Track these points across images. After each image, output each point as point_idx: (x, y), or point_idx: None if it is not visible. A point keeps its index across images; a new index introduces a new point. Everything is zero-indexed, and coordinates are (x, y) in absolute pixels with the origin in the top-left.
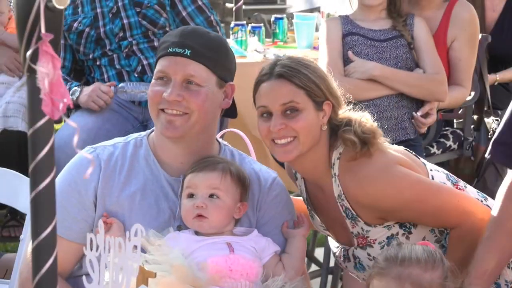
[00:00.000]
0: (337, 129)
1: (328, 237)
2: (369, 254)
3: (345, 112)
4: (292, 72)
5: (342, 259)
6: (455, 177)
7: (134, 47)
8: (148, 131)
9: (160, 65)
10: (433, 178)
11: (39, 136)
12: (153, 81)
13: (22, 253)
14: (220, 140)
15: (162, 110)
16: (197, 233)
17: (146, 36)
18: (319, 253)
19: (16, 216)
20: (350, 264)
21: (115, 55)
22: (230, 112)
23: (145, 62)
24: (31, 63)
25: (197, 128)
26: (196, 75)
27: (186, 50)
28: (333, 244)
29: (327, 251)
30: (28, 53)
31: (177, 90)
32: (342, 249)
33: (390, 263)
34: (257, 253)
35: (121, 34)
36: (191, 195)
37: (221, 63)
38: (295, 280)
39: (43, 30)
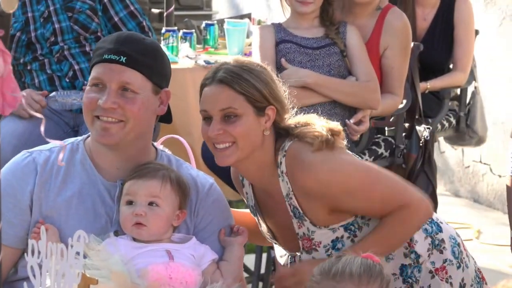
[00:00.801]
0: (283, 133)
1: (275, 245)
2: (314, 259)
3: (294, 117)
4: (233, 77)
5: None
6: None
7: (66, 52)
8: (84, 136)
9: (95, 72)
10: None
11: None
12: (87, 87)
13: None
14: (156, 146)
15: (97, 117)
16: (135, 239)
17: (77, 41)
18: (248, 260)
19: None
20: None
21: (46, 60)
22: (165, 117)
23: (76, 67)
24: None
25: (132, 135)
26: (132, 82)
27: (122, 57)
28: (279, 252)
29: (258, 257)
30: None
31: (112, 97)
32: (289, 257)
33: (323, 277)
34: (196, 260)
35: (52, 39)
36: (130, 202)
37: (156, 69)
38: (233, 287)
39: None
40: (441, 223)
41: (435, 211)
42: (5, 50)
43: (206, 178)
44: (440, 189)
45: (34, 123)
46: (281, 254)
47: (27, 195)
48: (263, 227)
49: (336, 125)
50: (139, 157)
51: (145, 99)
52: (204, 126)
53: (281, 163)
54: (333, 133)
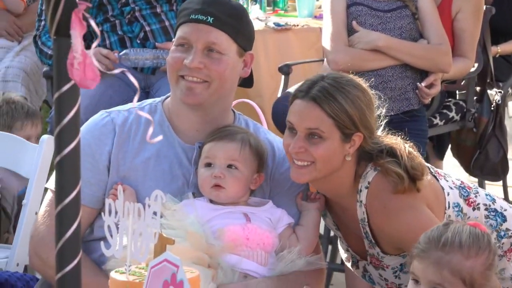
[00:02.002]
0: (367, 157)
1: (338, 238)
2: (380, 275)
3: (380, 138)
4: (326, 98)
5: (350, 263)
6: (466, 188)
7: (137, 13)
8: (163, 97)
9: (182, 32)
10: (448, 201)
11: (64, 100)
12: (173, 47)
13: (25, 218)
14: (233, 109)
15: (182, 76)
16: (212, 201)
17: (148, 2)
18: None
19: None
20: (358, 271)
21: (117, 21)
22: (247, 81)
23: (147, 28)
24: (61, 26)
25: (216, 96)
26: (218, 42)
27: (209, 17)
28: (342, 246)
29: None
30: (58, 15)
31: (199, 57)
32: (353, 257)
33: (431, 245)
34: (272, 223)
35: (123, 0)
36: (209, 164)
37: (242, 31)
38: (310, 254)
39: None
40: (505, 210)
41: (506, 176)
42: (84, 26)
43: (283, 143)
44: (510, 154)
45: (106, 84)
46: (344, 247)
47: (105, 155)
48: (328, 217)
49: (420, 162)
50: (219, 120)
51: (230, 60)
52: (287, 136)
53: (361, 191)
54: (416, 172)
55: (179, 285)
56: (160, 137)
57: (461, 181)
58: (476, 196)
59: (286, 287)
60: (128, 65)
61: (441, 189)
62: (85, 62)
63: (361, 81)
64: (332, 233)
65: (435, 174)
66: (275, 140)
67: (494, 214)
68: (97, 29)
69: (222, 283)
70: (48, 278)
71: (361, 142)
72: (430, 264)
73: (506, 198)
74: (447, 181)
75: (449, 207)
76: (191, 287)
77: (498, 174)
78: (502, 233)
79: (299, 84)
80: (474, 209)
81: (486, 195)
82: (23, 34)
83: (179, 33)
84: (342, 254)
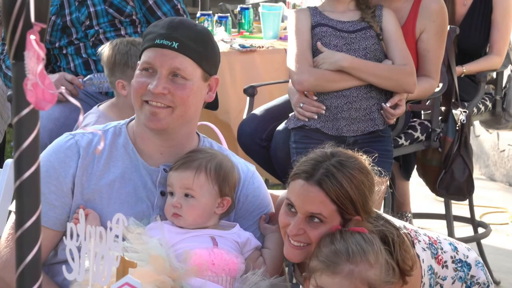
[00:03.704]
0: None
1: None
2: None
3: (376, 222)
4: (332, 184)
5: None
6: (434, 243)
7: (101, 36)
8: (127, 120)
9: (146, 56)
10: (423, 268)
11: (24, 124)
12: (137, 71)
13: None
14: (198, 132)
15: (146, 101)
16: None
17: (113, 24)
18: None
19: None
20: None
21: (81, 44)
22: (212, 104)
23: None
24: (19, 50)
25: (180, 121)
26: (183, 68)
27: (174, 42)
28: None
29: None
30: (16, 39)
31: (163, 83)
32: None
33: (339, 258)
34: (240, 247)
35: (87, 23)
36: (171, 193)
37: (207, 56)
38: (274, 276)
39: (32, 19)
40: (467, 256)
41: (472, 195)
42: (42, 45)
43: (247, 166)
44: (475, 173)
45: (70, 108)
46: None
47: (69, 178)
48: (297, 271)
49: (412, 256)
50: (183, 143)
51: (194, 86)
52: (285, 214)
53: None
54: (406, 267)
55: None
56: (101, 144)
57: (428, 236)
58: (442, 252)
59: None
60: (93, 90)
61: (418, 258)
62: (44, 83)
63: (365, 161)
64: None
65: (413, 240)
66: (240, 162)
67: (460, 265)
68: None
69: None
70: None
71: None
72: (344, 278)
73: (472, 217)
74: (420, 242)
75: (424, 274)
76: None
77: (464, 193)
78: (469, 282)
79: (302, 160)
80: (443, 267)
81: (449, 244)
82: None
83: (143, 57)
84: None
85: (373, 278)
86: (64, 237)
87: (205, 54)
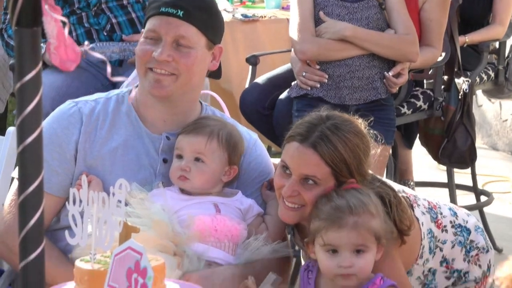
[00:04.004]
0: None
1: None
2: None
3: (371, 183)
4: (327, 147)
5: None
6: (433, 208)
7: (103, 6)
8: (130, 87)
9: (151, 24)
10: (423, 231)
11: (26, 90)
12: (142, 39)
13: None
14: (201, 100)
15: (150, 69)
16: (182, 191)
17: None
18: None
19: None
20: None
21: (83, 14)
22: (216, 73)
23: (114, 20)
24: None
25: (184, 89)
26: (187, 36)
27: (179, 11)
28: None
29: None
30: (18, 6)
31: (167, 50)
32: None
33: (343, 213)
34: (242, 214)
35: None
36: (179, 156)
37: (211, 25)
38: (276, 241)
39: None
40: (466, 222)
41: (474, 164)
42: (56, 8)
43: (250, 134)
44: (478, 142)
45: (73, 76)
46: None
47: (72, 145)
48: (297, 236)
49: (410, 216)
50: (186, 111)
51: (198, 54)
52: (279, 176)
53: None
54: (404, 226)
55: (143, 272)
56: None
57: (427, 201)
58: (442, 216)
59: (252, 274)
60: (95, 59)
61: (417, 221)
62: (65, 43)
63: (360, 125)
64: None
65: (412, 203)
66: (243, 131)
67: (460, 230)
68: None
69: (188, 270)
70: (14, 266)
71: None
72: (350, 229)
73: (474, 185)
74: (419, 206)
75: (424, 237)
76: (155, 275)
77: (466, 162)
78: (468, 247)
79: (297, 123)
80: (442, 231)
81: (449, 209)
82: None
83: (148, 25)
84: None
85: (377, 228)
86: (67, 203)
87: (209, 22)
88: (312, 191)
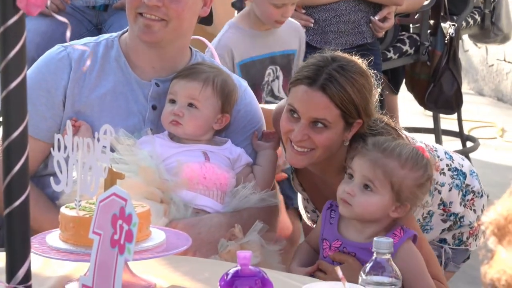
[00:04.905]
0: (360, 138)
1: (300, 198)
2: None
3: (375, 122)
4: (336, 89)
5: (311, 222)
6: (430, 151)
7: None
8: (119, 32)
9: None
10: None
11: (10, 33)
12: None
13: None
14: (191, 46)
15: (140, 14)
16: (172, 138)
17: None
18: None
19: None
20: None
21: None
22: (206, 19)
23: None
24: None
25: (174, 35)
26: None
27: None
28: (304, 205)
29: None
30: None
31: None
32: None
33: (374, 147)
34: (231, 163)
35: None
36: (172, 101)
37: None
38: (265, 191)
39: None
40: (462, 166)
41: (460, 109)
42: None
43: (240, 81)
44: (464, 87)
45: (57, 21)
46: (309, 208)
47: (61, 90)
48: (296, 181)
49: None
50: (176, 57)
51: (189, 0)
52: (287, 120)
53: None
54: None
55: (128, 218)
56: (88, 62)
57: (424, 143)
58: (439, 159)
59: (240, 222)
60: (80, 4)
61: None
62: None
63: (364, 65)
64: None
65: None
66: (232, 77)
67: (456, 173)
68: None
69: (175, 218)
70: (0, 210)
71: (359, 128)
72: (367, 161)
73: (460, 131)
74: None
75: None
76: (141, 221)
77: (452, 107)
78: (464, 191)
79: (301, 65)
80: (440, 173)
81: (445, 152)
82: None
83: None
84: (301, 209)
85: (397, 178)
86: (51, 149)
87: None
88: (323, 134)
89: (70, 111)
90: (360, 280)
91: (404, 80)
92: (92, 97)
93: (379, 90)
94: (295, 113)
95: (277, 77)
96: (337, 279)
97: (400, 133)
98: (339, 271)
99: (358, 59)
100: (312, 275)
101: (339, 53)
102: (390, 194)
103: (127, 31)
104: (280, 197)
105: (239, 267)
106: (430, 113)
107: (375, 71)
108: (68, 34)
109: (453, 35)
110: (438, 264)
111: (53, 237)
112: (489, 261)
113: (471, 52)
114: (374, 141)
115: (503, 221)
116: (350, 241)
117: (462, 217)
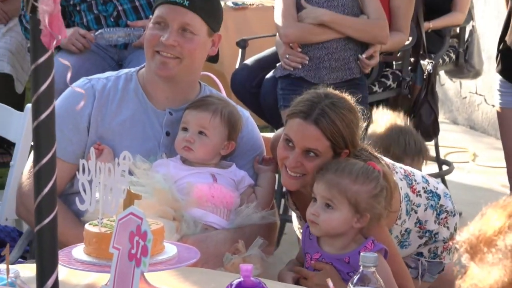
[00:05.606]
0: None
1: (294, 216)
2: None
3: (360, 152)
4: (328, 123)
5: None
6: (408, 175)
7: None
8: (137, 67)
9: (160, 12)
10: (402, 195)
11: (41, 70)
12: (151, 24)
13: (12, 178)
14: (200, 81)
15: (158, 52)
16: (184, 161)
17: None
18: None
19: (3, 145)
20: None
21: (93, 2)
22: (213, 57)
23: (120, 8)
24: (33, 2)
25: (186, 71)
26: (192, 24)
27: (185, 0)
28: (298, 222)
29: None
30: None
31: (174, 36)
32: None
33: (328, 170)
34: (235, 184)
35: None
36: (185, 129)
37: (213, 14)
38: (265, 210)
39: None
40: (436, 188)
41: (437, 136)
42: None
43: (242, 111)
44: (440, 117)
45: (83, 58)
46: (301, 224)
47: (86, 117)
48: (290, 200)
49: (394, 180)
50: (187, 90)
51: (201, 40)
52: (283, 148)
53: None
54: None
55: (143, 235)
56: (82, 103)
57: (403, 169)
58: (416, 183)
59: (242, 238)
60: (103, 43)
61: (397, 185)
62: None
63: (352, 102)
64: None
65: (391, 171)
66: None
67: (431, 195)
68: None
69: (186, 234)
70: (32, 225)
71: (346, 156)
72: (324, 183)
73: (437, 155)
74: (397, 173)
75: (402, 200)
76: (155, 237)
77: (430, 135)
78: (439, 211)
79: (297, 100)
80: (417, 195)
81: (421, 177)
82: (9, 18)
83: (157, 12)
84: (295, 226)
85: (353, 193)
86: (77, 172)
87: (211, 12)
88: (313, 162)
89: (94, 136)
90: None
91: None
92: (113, 123)
93: (365, 124)
94: (290, 142)
95: None
96: (319, 284)
97: (381, 161)
98: (329, 282)
99: (348, 96)
100: (298, 283)
101: (331, 90)
102: (349, 208)
103: (144, 66)
104: None
105: (242, 278)
106: None
107: (362, 107)
108: (68, 75)
109: (431, 71)
110: (410, 278)
111: (78, 251)
112: (462, 276)
113: (447, 85)
114: (327, 165)
115: (475, 240)
116: (327, 253)
117: (437, 233)
